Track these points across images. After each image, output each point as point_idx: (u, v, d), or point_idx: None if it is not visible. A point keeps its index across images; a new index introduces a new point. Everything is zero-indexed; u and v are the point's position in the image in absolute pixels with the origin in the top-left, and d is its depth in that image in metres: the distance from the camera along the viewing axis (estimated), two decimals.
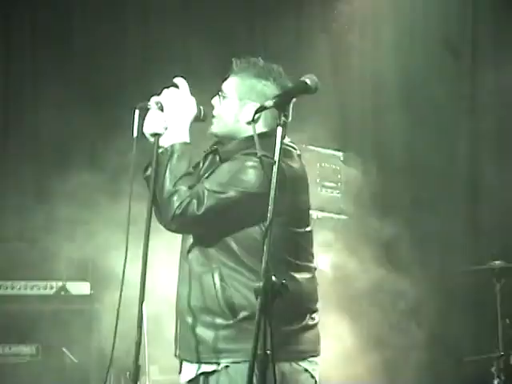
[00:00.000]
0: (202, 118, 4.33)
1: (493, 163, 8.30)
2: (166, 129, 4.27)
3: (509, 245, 7.63)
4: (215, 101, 4.40)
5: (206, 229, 4.22)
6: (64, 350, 6.48)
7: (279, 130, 3.72)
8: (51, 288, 6.66)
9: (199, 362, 4.18)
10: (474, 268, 7.34)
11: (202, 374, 4.18)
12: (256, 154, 3.96)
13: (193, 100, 4.32)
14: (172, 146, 4.21)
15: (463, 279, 7.76)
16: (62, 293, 6.64)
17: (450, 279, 7.84)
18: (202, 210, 4.07)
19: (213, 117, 4.37)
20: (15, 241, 7.14)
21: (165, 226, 4.21)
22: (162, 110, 4.27)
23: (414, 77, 8.40)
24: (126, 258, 4.10)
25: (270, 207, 3.66)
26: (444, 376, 7.55)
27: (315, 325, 4.32)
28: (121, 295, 4.11)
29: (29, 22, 8.67)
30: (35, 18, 8.64)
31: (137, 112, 4.25)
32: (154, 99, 4.28)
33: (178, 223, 4.16)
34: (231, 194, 4.12)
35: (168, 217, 4.13)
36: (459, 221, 8.32)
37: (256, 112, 4.01)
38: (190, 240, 4.33)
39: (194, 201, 4.10)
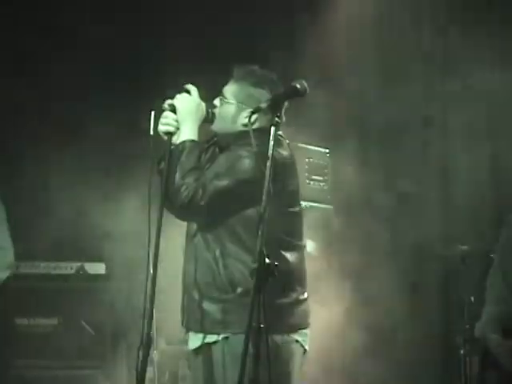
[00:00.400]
0: (211, 120, 4.42)
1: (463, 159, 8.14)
2: (178, 128, 4.36)
3: (475, 230, 7.56)
4: (217, 102, 4.48)
5: (210, 215, 4.26)
6: (82, 322, 6.48)
7: (272, 129, 3.82)
8: (71, 268, 6.66)
9: (203, 332, 4.27)
10: (444, 253, 7.36)
11: (206, 343, 4.27)
12: (249, 144, 3.97)
13: (202, 104, 4.40)
14: (183, 144, 4.29)
15: (434, 262, 7.65)
16: (81, 272, 6.65)
17: (423, 262, 7.76)
18: (206, 198, 4.15)
19: (214, 118, 4.45)
20: (40, 227, 6.92)
21: (175, 216, 4.33)
22: (174, 112, 4.34)
23: (392, 78, 8.29)
24: (149, 243, 4.15)
25: (264, 196, 3.74)
26: (416, 346, 7.48)
27: (305, 300, 4.39)
28: (148, 276, 4.18)
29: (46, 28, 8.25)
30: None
31: (153, 113, 4.33)
32: (168, 102, 4.37)
33: (186, 212, 4.26)
34: (230, 181, 4.20)
35: (177, 206, 4.22)
36: (431, 208, 8.17)
37: (252, 112, 4.05)
38: (195, 224, 4.42)
39: (200, 191, 4.17)
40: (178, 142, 4.35)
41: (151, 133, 4.32)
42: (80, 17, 8.24)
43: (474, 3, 8.17)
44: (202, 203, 4.18)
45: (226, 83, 4.52)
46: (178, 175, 4.28)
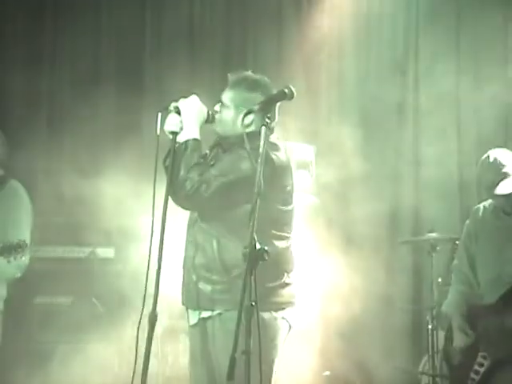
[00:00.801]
0: (211, 121, 4.49)
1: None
2: (182, 128, 4.42)
3: (443, 218, 7.62)
4: (217, 107, 4.55)
5: (211, 206, 4.35)
6: (94, 300, 6.54)
7: (263, 128, 3.90)
8: (84, 252, 6.69)
9: (199, 308, 4.40)
10: (414, 239, 7.60)
11: (202, 318, 4.40)
12: (252, 146, 4.03)
13: (203, 107, 4.47)
14: (186, 142, 4.36)
15: (407, 247, 7.80)
16: (92, 256, 6.68)
17: (397, 246, 7.77)
18: (210, 191, 4.24)
19: (214, 119, 4.51)
20: (57, 214, 6.96)
21: (179, 205, 4.41)
22: (179, 114, 4.42)
23: (370, 88, 8.35)
24: (152, 231, 4.24)
25: (256, 189, 3.82)
26: (389, 322, 7.55)
27: (291, 283, 4.48)
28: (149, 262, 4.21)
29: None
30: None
31: (159, 115, 4.41)
32: (173, 105, 4.45)
33: (190, 202, 4.35)
34: (231, 177, 4.27)
35: (182, 197, 4.30)
36: (406, 199, 8.17)
37: (245, 115, 4.29)
38: (196, 214, 4.51)
39: (204, 185, 4.25)
40: (181, 140, 4.40)
41: (158, 132, 4.38)
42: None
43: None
44: (206, 195, 4.24)
45: (223, 89, 4.58)
46: (182, 170, 4.33)
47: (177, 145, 4.42)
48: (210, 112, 4.50)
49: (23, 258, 5.64)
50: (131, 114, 7.67)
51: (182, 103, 4.46)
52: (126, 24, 8.40)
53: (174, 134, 4.42)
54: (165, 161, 4.50)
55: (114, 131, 7.82)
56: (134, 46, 8.48)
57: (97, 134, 7.82)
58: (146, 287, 4.28)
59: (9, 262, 5.46)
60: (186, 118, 4.45)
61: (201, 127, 4.49)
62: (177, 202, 4.40)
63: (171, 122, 4.44)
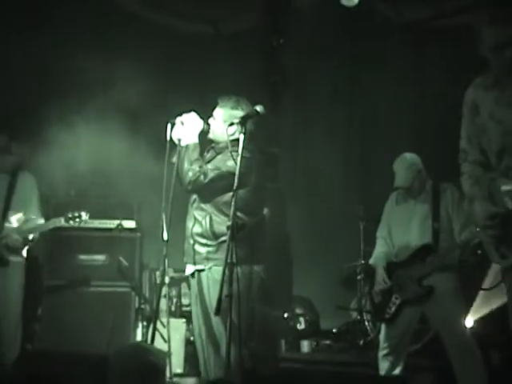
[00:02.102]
0: (206, 131, 4.57)
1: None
2: (185, 136, 4.50)
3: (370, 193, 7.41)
4: (211, 121, 4.61)
5: (207, 190, 4.44)
6: (120, 258, 6.38)
7: (241, 136, 4.13)
8: (113, 224, 6.50)
9: (195, 264, 4.50)
10: (348, 210, 7.32)
11: (197, 270, 4.48)
12: (236, 150, 4.14)
13: (200, 120, 4.53)
14: (188, 145, 4.46)
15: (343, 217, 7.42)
16: (119, 226, 6.48)
17: (335, 217, 7.50)
18: (207, 180, 4.36)
19: (209, 130, 4.59)
20: (93, 196, 6.74)
21: (185, 189, 4.49)
22: (183, 125, 4.51)
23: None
24: (164, 209, 4.40)
25: (236, 179, 4.04)
26: (328, 276, 7.39)
27: (263, 246, 4.60)
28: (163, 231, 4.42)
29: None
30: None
31: (169, 125, 4.53)
32: (178, 119, 4.53)
33: (193, 187, 4.43)
34: (222, 171, 4.37)
35: (186, 183, 4.41)
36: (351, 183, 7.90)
37: (229, 125, 4.38)
38: (195, 197, 4.58)
39: (202, 175, 4.36)
40: (185, 144, 4.47)
41: (168, 138, 4.49)
42: None
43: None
44: (204, 182, 4.37)
45: (214, 109, 4.63)
46: (186, 164, 4.41)
47: (181, 147, 4.50)
48: (205, 124, 4.56)
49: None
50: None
51: (184, 117, 4.52)
52: None
53: (179, 140, 4.51)
54: (172, 158, 4.53)
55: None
56: None
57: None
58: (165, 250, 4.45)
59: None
60: (188, 128, 4.51)
61: (199, 135, 4.52)
62: (183, 186, 4.46)
63: (177, 131, 4.53)
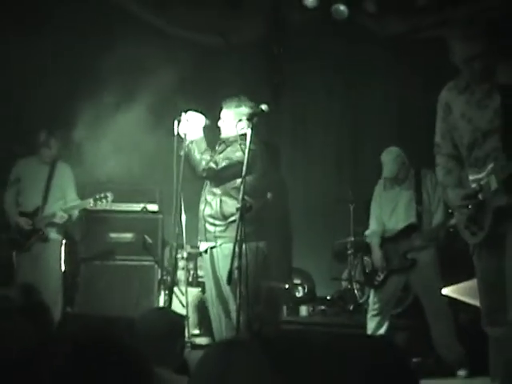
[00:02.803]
0: (208, 126, 4.57)
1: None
2: (191, 131, 4.50)
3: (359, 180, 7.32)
4: (220, 123, 4.63)
5: (218, 177, 4.48)
6: (145, 236, 6.33)
7: (249, 131, 4.20)
8: (139, 207, 6.45)
9: (208, 241, 4.54)
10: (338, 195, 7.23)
11: (209, 247, 4.53)
12: (244, 143, 4.22)
13: (203, 117, 4.53)
14: (195, 139, 4.48)
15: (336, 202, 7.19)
16: (144, 209, 6.44)
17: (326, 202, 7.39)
18: (219, 167, 4.42)
19: (210, 125, 4.59)
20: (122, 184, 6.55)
21: (199, 176, 4.55)
22: (188, 121, 4.50)
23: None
24: (177, 195, 4.48)
25: (244, 168, 4.12)
26: (323, 251, 7.32)
27: (267, 226, 4.67)
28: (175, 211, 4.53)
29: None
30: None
31: (176, 122, 4.50)
32: (184, 116, 4.50)
33: (207, 174, 4.48)
34: (233, 160, 4.42)
35: (200, 171, 4.46)
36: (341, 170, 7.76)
37: (238, 121, 4.48)
38: (207, 183, 4.62)
39: (214, 164, 4.42)
40: (192, 138, 4.48)
41: (175, 133, 4.45)
42: None
43: None
44: (217, 170, 4.40)
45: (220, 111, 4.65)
46: (197, 154, 4.45)
47: (188, 141, 4.50)
48: (207, 121, 4.56)
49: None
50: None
51: (189, 115, 4.52)
52: None
53: (186, 135, 4.52)
54: (179, 152, 4.47)
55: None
56: None
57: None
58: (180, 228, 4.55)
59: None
60: (193, 124, 4.52)
61: (204, 129, 4.56)
62: (197, 174, 4.50)
63: (184, 127, 4.52)
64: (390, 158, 5.39)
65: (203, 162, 4.43)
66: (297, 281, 7.16)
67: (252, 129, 4.21)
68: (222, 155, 4.51)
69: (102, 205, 5.91)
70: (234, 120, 4.56)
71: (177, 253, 4.69)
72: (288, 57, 7.29)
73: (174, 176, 4.39)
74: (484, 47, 3.31)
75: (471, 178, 3.48)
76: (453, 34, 3.40)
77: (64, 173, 6.08)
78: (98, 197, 5.85)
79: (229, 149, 4.53)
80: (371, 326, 5.28)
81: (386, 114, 7.43)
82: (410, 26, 6.64)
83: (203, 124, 4.55)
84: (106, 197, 5.85)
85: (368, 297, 5.76)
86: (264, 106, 4.32)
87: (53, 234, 5.93)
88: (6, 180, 6.05)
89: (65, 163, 6.14)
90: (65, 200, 6.02)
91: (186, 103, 4.81)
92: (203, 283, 5.60)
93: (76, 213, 6.08)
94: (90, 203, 5.91)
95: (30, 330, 1.79)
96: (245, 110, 4.49)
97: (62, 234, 6.05)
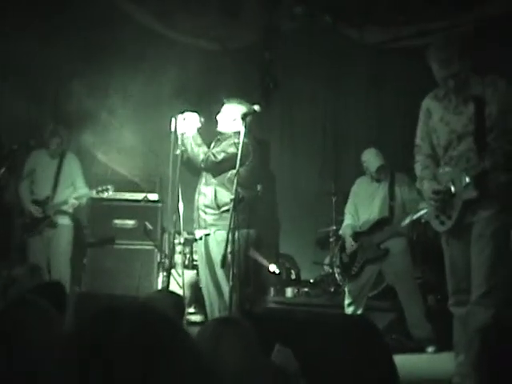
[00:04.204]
0: (202, 124, 4.58)
1: None
2: (187, 129, 4.51)
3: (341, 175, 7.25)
4: (219, 116, 4.67)
5: (217, 168, 4.49)
6: (146, 223, 6.33)
7: (242, 128, 4.27)
8: (140, 196, 6.43)
9: (202, 229, 4.57)
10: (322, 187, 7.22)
11: (204, 235, 4.55)
12: (237, 138, 4.29)
13: (198, 117, 4.55)
14: (191, 135, 4.50)
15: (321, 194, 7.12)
16: (145, 198, 6.44)
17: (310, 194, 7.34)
18: (217, 159, 4.45)
19: (217, 123, 4.64)
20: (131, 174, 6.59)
21: (198, 167, 4.54)
22: (184, 120, 4.49)
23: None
24: (174, 187, 4.49)
25: (238, 162, 4.18)
26: (307, 238, 7.32)
27: (257, 213, 4.74)
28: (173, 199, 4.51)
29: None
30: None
31: (173, 119, 4.51)
32: (180, 116, 4.52)
33: (205, 166, 4.48)
34: (228, 153, 4.42)
35: (199, 163, 4.47)
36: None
37: (233, 120, 4.52)
38: (204, 173, 4.62)
39: (212, 156, 4.44)
40: (188, 135, 4.50)
41: (172, 130, 4.47)
42: None
43: None
44: (215, 162, 4.42)
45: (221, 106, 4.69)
46: (195, 148, 4.47)
47: (185, 138, 4.52)
48: (202, 119, 4.58)
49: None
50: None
51: (186, 114, 4.54)
52: None
53: (183, 133, 4.53)
54: (175, 150, 4.51)
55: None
56: None
57: None
58: (178, 216, 4.50)
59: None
60: (189, 123, 4.54)
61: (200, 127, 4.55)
62: (196, 165, 4.52)
63: (181, 126, 4.53)
64: (372, 156, 5.47)
65: (201, 155, 4.46)
66: (284, 264, 7.15)
67: (245, 126, 4.27)
68: (218, 148, 4.54)
69: (104, 196, 5.95)
70: (232, 115, 4.60)
71: (174, 238, 4.72)
72: (278, 62, 7.27)
73: (170, 169, 4.42)
74: (457, 68, 3.47)
75: (445, 172, 3.63)
76: (429, 55, 3.55)
77: (72, 163, 6.10)
78: (100, 189, 5.90)
79: (224, 143, 4.57)
80: (348, 311, 5.31)
81: (365, 118, 7.41)
82: (388, 36, 6.68)
83: (198, 123, 4.57)
84: (107, 189, 5.90)
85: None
86: (256, 107, 4.41)
87: (63, 220, 5.98)
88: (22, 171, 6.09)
89: (73, 154, 6.18)
90: (74, 188, 6.06)
91: (182, 103, 4.84)
92: (198, 266, 5.64)
93: (85, 200, 6.12)
94: (90, 194, 5.99)
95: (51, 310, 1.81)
96: (243, 109, 4.50)
97: (71, 219, 6.08)
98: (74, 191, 6.03)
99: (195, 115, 4.55)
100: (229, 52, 7.18)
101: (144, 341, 1.04)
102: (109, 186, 5.92)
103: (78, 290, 6.12)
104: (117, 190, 6.16)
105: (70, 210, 5.97)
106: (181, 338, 1.07)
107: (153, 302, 2.91)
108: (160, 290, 3.89)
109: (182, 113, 4.48)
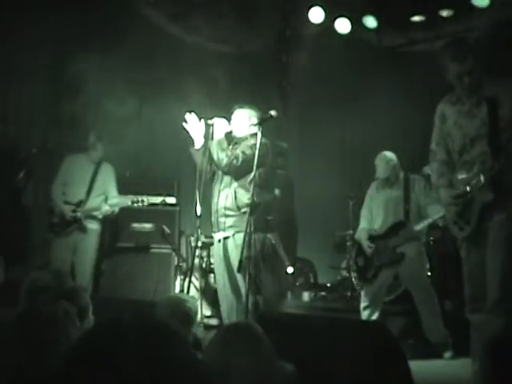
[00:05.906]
0: (231, 132, 4.57)
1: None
2: (216, 134, 4.48)
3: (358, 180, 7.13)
4: (234, 121, 4.59)
5: (238, 171, 4.43)
6: (164, 226, 6.34)
7: (259, 133, 4.25)
8: (159, 200, 6.36)
9: (221, 231, 4.50)
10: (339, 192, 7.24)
11: (223, 237, 4.47)
12: (255, 142, 4.26)
13: (226, 122, 4.53)
14: (218, 139, 4.49)
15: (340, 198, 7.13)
16: (163, 202, 6.39)
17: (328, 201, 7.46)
18: (239, 163, 4.39)
19: (231, 131, 4.63)
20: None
21: (220, 170, 4.50)
22: (213, 126, 4.51)
23: None
24: (197, 189, 4.44)
25: (255, 166, 4.16)
26: (325, 242, 7.38)
27: (273, 219, 4.81)
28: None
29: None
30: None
31: (203, 123, 4.52)
32: (209, 121, 4.51)
33: (228, 169, 4.43)
34: (247, 155, 4.38)
35: (223, 166, 4.41)
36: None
37: (250, 125, 4.55)
38: (222, 176, 4.55)
39: (234, 160, 4.38)
40: (215, 140, 4.47)
41: (205, 138, 4.49)
42: None
43: None
44: (237, 165, 4.38)
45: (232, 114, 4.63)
46: (220, 153, 4.42)
47: (212, 144, 4.50)
48: (229, 125, 4.56)
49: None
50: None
51: (215, 120, 4.54)
52: None
53: (212, 139, 4.54)
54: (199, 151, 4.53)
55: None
56: None
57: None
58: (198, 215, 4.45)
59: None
60: (217, 129, 4.55)
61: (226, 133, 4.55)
62: (220, 169, 4.50)
63: (211, 131, 4.55)
64: (382, 162, 5.47)
65: (226, 159, 4.44)
66: (302, 269, 7.16)
67: (262, 132, 4.29)
68: (237, 151, 4.54)
69: (138, 206, 6.04)
70: (247, 119, 4.60)
71: (197, 244, 4.71)
72: (295, 65, 7.31)
73: (194, 171, 4.46)
74: (471, 65, 3.49)
75: (461, 177, 3.62)
76: (444, 54, 3.57)
77: (107, 172, 6.17)
78: (135, 200, 6.00)
79: (243, 144, 4.57)
80: (364, 314, 5.30)
81: (382, 122, 7.42)
82: (403, 39, 6.66)
83: (227, 127, 4.58)
84: (142, 201, 6.01)
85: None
86: (273, 112, 4.37)
87: (93, 225, 5.99)
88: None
89: (109, 163, 6.21)
90: (106, 196, 6.12)
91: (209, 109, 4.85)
92: (214, 270, 5.66)
93: (117, 209, 6.14)
94: (127, 203, 6.05)
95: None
96: (256, 113, 4.53)
97: (100, 225, 6.10)
98: (107, 200, 6.08)
99: (224, 120, 4.55)
100: (249, 55, 7.19)
101: (143, 357, 1.03)
102: (144, 198, 6.00)
103: (96, 294, 6.14)
104: (136, 193, 6.17)
105: (100, 216, 6.00)
106: (180, 355, 1.07)
107: (161, 310, 2.91)
108: (170, 297, 3.88)
109: (211, 118, 4.50)
